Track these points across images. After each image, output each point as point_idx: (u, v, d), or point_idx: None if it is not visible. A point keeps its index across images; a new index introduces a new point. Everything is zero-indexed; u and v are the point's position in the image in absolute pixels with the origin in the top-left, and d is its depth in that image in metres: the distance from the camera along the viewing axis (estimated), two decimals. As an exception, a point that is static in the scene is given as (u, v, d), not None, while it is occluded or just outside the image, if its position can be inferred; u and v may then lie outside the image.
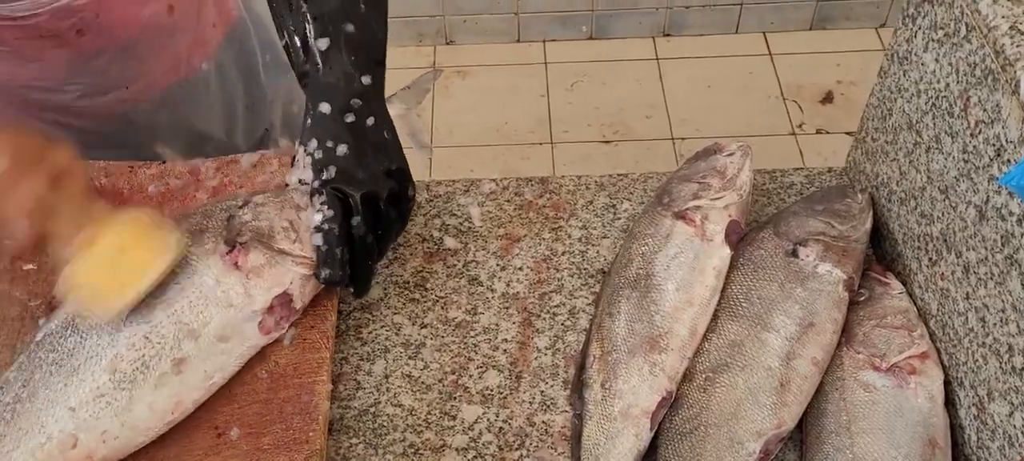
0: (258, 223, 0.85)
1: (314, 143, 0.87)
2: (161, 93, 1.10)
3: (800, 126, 2.51)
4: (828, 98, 2.58)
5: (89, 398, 0.77)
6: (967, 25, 0.76)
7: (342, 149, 0.86)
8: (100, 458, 0.78)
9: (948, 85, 0.80)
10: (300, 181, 0.89)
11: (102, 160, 1.03)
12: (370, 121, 0.88)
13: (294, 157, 0.90)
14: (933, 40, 0.82)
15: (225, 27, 1.13)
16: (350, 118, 0.87)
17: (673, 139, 2.46)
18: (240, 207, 0.87)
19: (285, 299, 0.85)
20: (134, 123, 1.10)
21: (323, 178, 0.86)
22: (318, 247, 0.85)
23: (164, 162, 1.04)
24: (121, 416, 0.78)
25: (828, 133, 2.49)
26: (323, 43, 0.88)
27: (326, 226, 0.85)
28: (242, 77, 1.18)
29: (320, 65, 0.88)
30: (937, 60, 0.82)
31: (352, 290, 0.90)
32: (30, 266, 0.94)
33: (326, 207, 0.85)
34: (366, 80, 0.89)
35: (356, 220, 0.85)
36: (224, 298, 0.82)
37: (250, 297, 0.83)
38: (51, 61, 0.98)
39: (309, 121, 0.88)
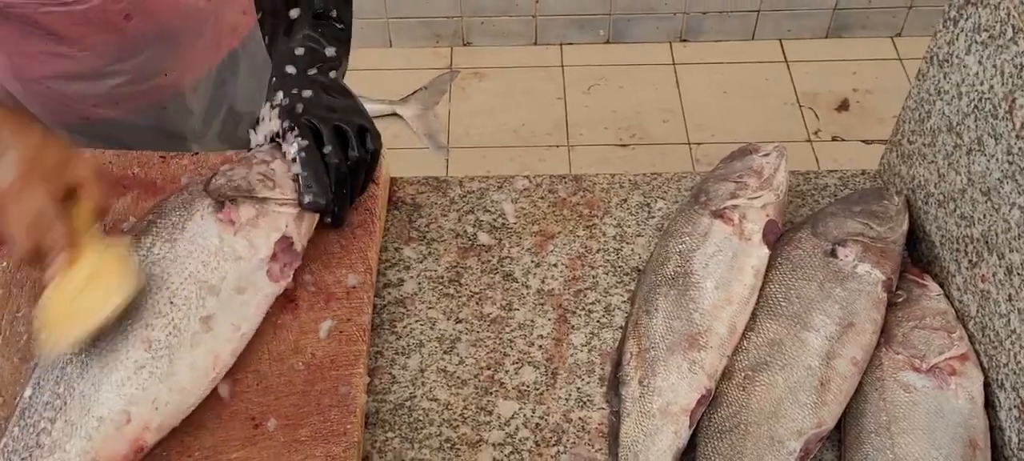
0: (235, 182, 0.88)
1: (280, 94, 0.92)
2: (195, 80, 1.11)
3: (816, 133, 2.51)
4: (844, 106, 2.58)
5: (131, 372, 0.78)
6: (1014, 27, 0.76)
7: (307, 93, 0.91)
8: (156, 426, 0.78)
9: (992, 87, 0.80)
10: (265, 136, 0.93)
11: (135, 151, 1.03)
12: (333, 74, 0.94)
13: (258, 117, 0.94)
14: (976, 42, 0.82)
15: (254, 15, 1.15)
16: (313, 72, 0.93)
17: (689, 144, 2.46)
18: (211, 178, 0.90)
19: (286, 244, 0.88)
20: (168, 111, 1.10)
21: (294, 114, 0.90)
22: (299, 174, 0.89)
23: (197, 153, 1.04)
24: (166, 381, 0.79)
25: (844, 140, 2.49)
26: (294, 12, 0.95)
27: (304, 154, 0.88)
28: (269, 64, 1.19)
29: (291, 32, 0.95)
30: (980, 62, 0.82)
31: (329, 221, 0.92)
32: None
33: (300, 137, 0.89)
34: (330, 52, 0.95)
35: (328, 149, 0.89)
36: (232, 253, 0.85)
37: (254, 247, 0.86)
38: (95, 48, 0.98)
39: (274, 80, 0.93)
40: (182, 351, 0.80)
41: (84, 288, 0.78)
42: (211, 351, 0.82)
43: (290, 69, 0.93)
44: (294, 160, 0.89)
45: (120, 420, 0.76)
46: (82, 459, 0.75)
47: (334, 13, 0.97)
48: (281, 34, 0.96)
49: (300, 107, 0.91)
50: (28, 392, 0.78)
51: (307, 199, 0.88)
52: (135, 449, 0.77)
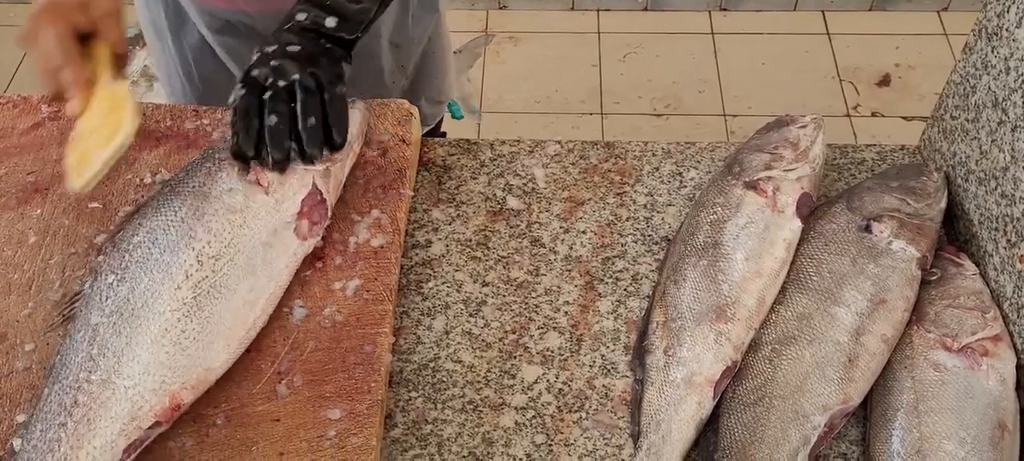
0: None
1: (272, 41, 0.90)
2: None
3: (855, 108, 2.46)
4: (885, 81, 2.53)
5: (164, 331, 0.79)
6: (1066, 0, 0.74)
7: (294, 48, 0.89)
8: (192, 384, 0.79)
9: (1040, 62, 0.78)
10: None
11: (167, 104, 1.04)
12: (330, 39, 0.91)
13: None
14: (1026, 15, 0.80)
15: None
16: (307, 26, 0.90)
17: (725, 115, 2.43)
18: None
19: (314, 199, 0.88)
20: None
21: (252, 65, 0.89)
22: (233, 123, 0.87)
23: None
24: (201, 340, 0.79)
25: (884, 116, 2.44)
26: None
27: (238, 102, 0.87)
28: (395, 12, 1.18)
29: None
30: (1029, 36, 0.79)
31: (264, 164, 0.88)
32: (96, 204, 0.95)
33: (240, 87, 0.87)
34: (330, 22, 0.90)
35: (271, 112, 0.86)
36: (259, 211, 0.86)
37: (282, 205, 0.86)
38: None
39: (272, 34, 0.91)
40: (214, 309, 0.80)
41: (91, 133, 0.83)
42: (243, 309, 0.82)
43: (287, 25, 0.90)
44: (229, 106, 0.88)
45: (156, 379, 0.77)
46: (122, 419, 0.75)
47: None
48: None
49: (275, 62, 0.87)
50: (58, 357, 0.79)
51: (231, 145, 0.86)
52: (172, 407, 0.78)
